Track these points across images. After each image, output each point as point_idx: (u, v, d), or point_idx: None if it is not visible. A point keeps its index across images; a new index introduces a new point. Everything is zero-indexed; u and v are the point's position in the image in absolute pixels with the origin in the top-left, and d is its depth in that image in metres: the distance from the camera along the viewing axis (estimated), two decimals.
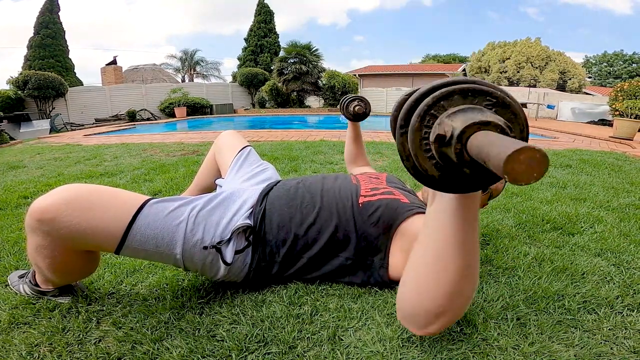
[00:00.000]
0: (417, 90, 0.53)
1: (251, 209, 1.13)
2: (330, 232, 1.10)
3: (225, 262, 1.03)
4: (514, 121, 0.46)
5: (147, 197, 0.98)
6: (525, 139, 0.46)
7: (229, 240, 1.03)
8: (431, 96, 0.47)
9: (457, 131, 0.42)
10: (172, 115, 13.55)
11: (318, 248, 1.10)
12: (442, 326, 0.73)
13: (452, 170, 0.48)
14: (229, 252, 1.03)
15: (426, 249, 0.69)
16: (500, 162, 0.34)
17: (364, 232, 1.10)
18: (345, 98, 1.70)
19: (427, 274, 0.69)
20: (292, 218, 1.12)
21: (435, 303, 0.69)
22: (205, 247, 1.00)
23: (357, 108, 1.66)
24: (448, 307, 0.69)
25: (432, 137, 0.46)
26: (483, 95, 0.46)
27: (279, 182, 1.31)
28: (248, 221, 1.08)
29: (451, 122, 0.44)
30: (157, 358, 0.86)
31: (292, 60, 14.89)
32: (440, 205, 0.64)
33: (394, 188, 1.23)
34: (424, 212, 1.10)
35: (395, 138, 0.51)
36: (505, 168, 0.34)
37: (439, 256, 0.66)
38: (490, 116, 0.43)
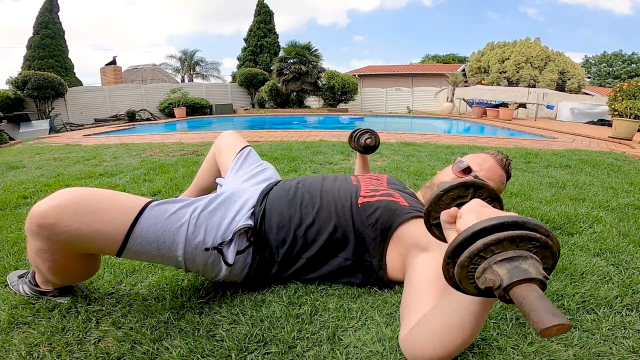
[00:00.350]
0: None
1: (252, 209, 1.13)
2: (329, 232, 1.10)
3: (226, 263, 1.03)
4: (549, 257, 0.54)
5: (148, 200, 0.98)
6: (554, 267, 0.55)
7: (231, 241, 1.03)
8: (482, 242, 0.53)
9: (504, 284, 0.50)
10: (172, 115, 13.54)
11: (317, 248, 1.10)
12: None
13: (488, 293, 0.55)
14: (230, 253, 1.03)
15: (444, 318, 0.75)
16: (539, 329, 0.44)
17: (362, 233, 1.10)
18: (356, 131, 1.77)
19: (450, 336, 0.74)
20: (291, 218, 1.12)
21: (447, 354, 0.76)
22: (207, 249, 1.00)
23: (368, 141, 1.72)
24: (453, 355, 0.77)
25: (481, 284, 0.53)
26: (528, 241, 0.53)
27: (278, 182, 1.31)
28: (249, 222, 1.08)
29: (499, 271, 0.51)
30: (156, 358, 0.86)
31: (291, 61, 14.89)
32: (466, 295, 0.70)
33: (394, 190, 1.23)
34: (422, 216, 1.10)
35: (442, 266, 0.59)
36: (541, 333, 0.45)
37: (457, 326, 0.73)
38: (532, 267, 0.51)
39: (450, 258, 0.57)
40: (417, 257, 0.98)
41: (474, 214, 0.60)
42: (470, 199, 0.70)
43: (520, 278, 0.49)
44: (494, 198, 0.70)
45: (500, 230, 0.53)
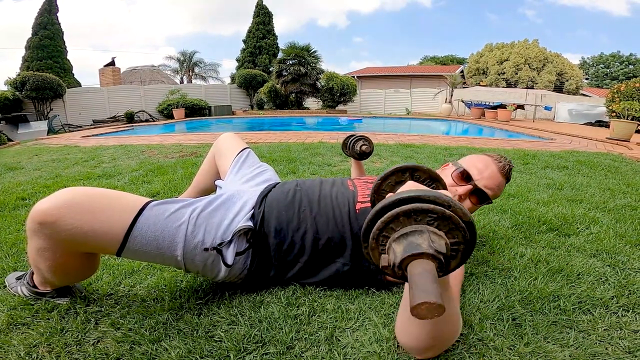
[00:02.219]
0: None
1: (252, 211, 1.14)
2: (327, 237, 1.11)
3: (226, 264, 1.03)
4: (455, 229, 0.53)
5: (148, 199, 0.99)
6: (471, 240, 0.54)
7: (230, 241, 1.04)
8: (380, 221, 0.53)
9: (397, 262, 0.50)
10: (171, 116, 13.54)
11: (314, 253, 1.11)
12: (436, 353, 0.86)
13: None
14: (229, 254, 1.04)
15: (405, 307, 0.83)
16: (411, 305, 0.45)
17: (359, 239, 1.11)
18: (350, 138, 1.77)
19: (412, 326, 0.81)
20: (289, 222, 1.12)
21: (422, 343, 0.82)
22: (206, 249, 1.00)
23: (364, 147, 1.72)
24: (433, 344, 0.83)
25: (381, 264, 0.54)
26: (425, 213, 0.52)
27: (277, 184, 1.31)
28: (249, 223, 1.09)
29: (395, 249, 0.51)
30: (155, 358, 0.86)
31: (290, 62, 14.90)
32: None
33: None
34: None
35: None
36: (412, 311, 0.45)
37: (407, 323, 0.81)
38: (425, 242, 0.50)
39: (364, 243, 0.57)
40: None
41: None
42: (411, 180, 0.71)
43: (410, 253, 0.49)
44: (433, 179, 0.70)
45: (398, 206, 0.53)
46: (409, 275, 0.48)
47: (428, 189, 0.57)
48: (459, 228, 0.53)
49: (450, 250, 0.52)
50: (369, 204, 1.15)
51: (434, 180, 0.71)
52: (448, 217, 0.52)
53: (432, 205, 0.52)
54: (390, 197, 0.54)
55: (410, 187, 0.63)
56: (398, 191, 0.59)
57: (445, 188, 0.70)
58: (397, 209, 0.52)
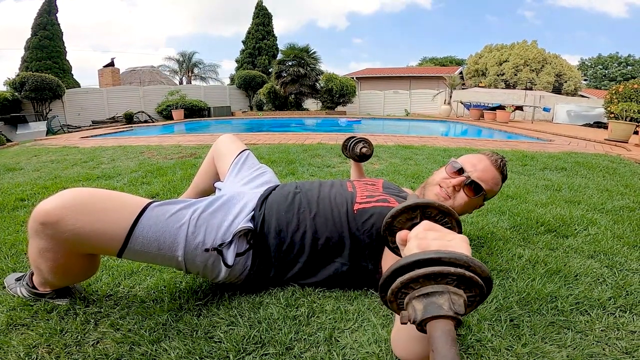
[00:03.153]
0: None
1: (252, 212, 1.15)
2: (325, 237, 1.12)
3: (226, 265, 1.04)
4: (473, 289, 0.56)
5: (149, 200, 1.00)
6: (485, 295, 0.57)
7: (230, 242, 1.04)
8: (399, 280, 0.56)
9: (417, 319, 0.53)
10: (170, 117, 13.52)
11: (313, 252, 1.12)
12: None
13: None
14: (230, 255, 1.04)
15: (400, 337, 0.84)
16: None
17: (358, 239, 1.11)
18: (350, 140, 1.77)
19: (415, 344, 0.79)
20: (289, 223, 1.13)
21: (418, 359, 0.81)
22: (206, 250, 1.01)
23: (364, 150, 1.72)
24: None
25: (401, 321, 0.56)
26: (444, 277, 0.55)
27: (277, 186, 1.32)
28: (250, 224, 1.09)
29: (416, 306, 0.55)
30: (155, 359, 0.87)
31: (290, 63, 14.91)
32: None
33: (390, 195, 1.25)
34: None
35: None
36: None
37: (410, 343, 0.80)
38: (446, 303, 0.53)
39: (382, 292, 0.60)
40: None
41: (416, 240, 0.63)
42: (420, 219, 0.72)
43: (432, 315, 0.52)
44: (445, 213, 0.71)
45: (416, 268, 0.56)
46: (430, 335, 0.52)
47: (447, 247, 0.60)
48: (477, 285, 0.56)
49: (467, 303, 0.56)
50: (367, 205, 1.16)
51: (446, 215, 0.72)
52: (468, 278, 0.55)
53: (452, 269, 0.55)
54: (409, 256, 0.57)
55: (426, 228, 0.65)
56: (412, 248, 0.62)
57: (458, 220, 0.71)
58: (418, 272, 0.55)
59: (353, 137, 1.78)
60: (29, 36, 15.59)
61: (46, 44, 15.44)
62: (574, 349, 0.91)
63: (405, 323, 0.55)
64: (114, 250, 0.93)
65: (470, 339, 0.93)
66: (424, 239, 0.62)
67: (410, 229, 0.69)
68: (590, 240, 1.59)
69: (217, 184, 1.60)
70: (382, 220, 1.09)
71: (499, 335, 0.95)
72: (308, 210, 1.16)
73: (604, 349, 0.92)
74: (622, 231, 1.69)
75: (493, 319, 1.01)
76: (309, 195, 1.21)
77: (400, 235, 0.68)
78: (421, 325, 0.53)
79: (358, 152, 1.74)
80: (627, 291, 1.18)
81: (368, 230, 1.11)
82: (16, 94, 10.98)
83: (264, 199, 1.22)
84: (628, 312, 1.07)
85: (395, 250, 0.77)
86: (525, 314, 1.04)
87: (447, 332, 0.51)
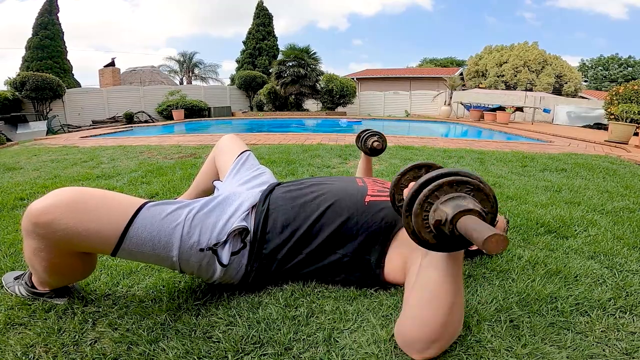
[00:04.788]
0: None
1: (247, 211, 1.14)
2: (332, 229, 1.11)
3: (221, 264, 1.03)
4: (486, 200, 0.66)
5: (144, 200, 0.99)
6: (495, 212, 0.68)
7: (225, 242, 1.04)
8: (427, 189, 0.65)
9: (449, 217, 0.61)
10: (170, 117, 13.52)
11: (317, 244, 1.11)
12: (437, 351, 0.86)
13: (446, 238, 0.69)
14: (225, 254, 1.04)
15: (422, 292, 0.85)
16: (480, 242, 0.54)
17: (365, 231, 1.11)
18: (365, 132, 1.79)
19: (425, 310, 0.84)
20: (296, 216, 1.13)
21: (432, 331, 0.83)
22: (201, 249, 1.00)
23: (375, 144, 1.75)
24: (442, 335, 0.84)
25: (432, 221, 0.65)
26: (464, 184, 0.66)
27: (280, 183, 1.32)
28: (244, 223, 1.09)
29: (444, 209, 0.63)
30: (153, 359, 0.86)
31: (290, 64, 14.91)
32: (432, 260, 0.84)
33: None
34: None
35: (400, 215, 0.76)
36: (483, 246, 0.54)
37: (434, 297, 0.83)
38: (470, 203, 0.63)
39: (407, 211, 0.69)
40: (419, 259, 1.00)
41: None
42: None
43: (462, 209, 0.61)
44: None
45: (439, 179, 0.66)
46: (463, 225, 0.59)
47: (463, 169, 0.69)
48: (489, 199, 0.66)
49: (482, 214, 0.63)
50: (378, 198, 1.17)
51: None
52: (482, 189, 0.65)
53: (470, 179, 0.65)
54: (431, 172, 0.67)
55: None
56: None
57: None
58: (442, 180, 0.64)
59: (368, 130, 1.80)
60: (30, 36, 15.59)
61: (47, 43, 15.45)
62: (574, 349, 0.91)
63: (439, 222, 0.63)
64: (107, 249, 0.92)
65: (470, 339, 0.93)
66: None
67: None
68: (590, 241, 1.58)
69: (215, 183, 1.60)
70: (392, 214, 1.12)
71: (498, 336, 0.94)
72: (316, 203, 1.15)
73: (604, 350, 0.91)
74: (622, 232, 1.69)
75: (493, 320, 1.01)
76: (317, 189, 1.21)
77: (409, 188, 0.76)
78: (452, 224, 0.61)
79: (370, 145, 1.76)
80: (627, 292, 1.18)
81: (377, 222, 1.11)
82: (16, 93, 10.98)
83: (267, 193, 1.21)
84: (628, 313, 1.07)
85: (400, 210, 0.89)
86: (525, 314, 1.04)
87: (477, 221, 0.58)
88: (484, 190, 0.65)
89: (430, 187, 0.65)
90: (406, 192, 0.79)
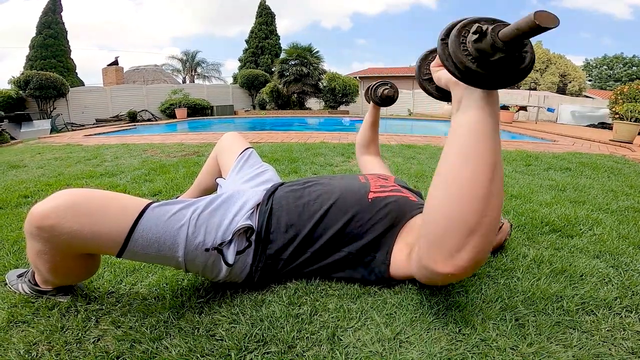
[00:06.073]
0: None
1: (252, 210, 1.14)
2: (337, 228, 1.10)
3: (227, 263, 1.03)
4: None
5: (149, 201, 0.98)
6: None
7: (230, 241, 1.03)
8: (464, 20, 0.68)
9: (491, 27, 0.62)
10: (173, 116, 13.56)
11: (322, 243, 1.10)
12: (472, 255, 0.70)
13: (485, 60, 0.64)
14: (230, 253, 1.03)
15: (456, 153, 0.71)
16: (531, 18, 0.52)
17: (370, 227, 1.10)
18: (373, 83, 1.71)
19: (460, 177, 0.69)
20: (300, 215, 1.12)
21: (471, 208, 0.68)
22: (207, 249, 1.00)
23: (386, 91, 1.65)
24: (482, 217, 0.68)
25: (473, 31, 0.64)
26: (491, 20, 0.67)
27: (283, 183, 1.32)
28: (249, 222, 1.08)
29: (483, 26, 0.63)
30: (155, 357, 0.86)
31: (292, 62, 14.92)
32: (468, 103, 0.72)
33: (402, 187, 1.25)
34: None
35: (438, 50, 0.70)
36: (536, 19, 0.52)
37: (470, 155, 0.68)
38: (503, 23, 0.63)
39: (443, 39, 0.69)
40: None
41: None
42: None
43: (499, 22, 0.64)
44: None
45: (472, 17, 0.68)
46: (507, 28, 0.59)
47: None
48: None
49: None
50: (381, 194, 1.16)
51: None
52: (503, 22, 0.65)
53: (494, 18, 0.67)
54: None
55: None
56: None
57: None
58: (474, 17, 0.67)
59: (378, 80, 1.72)
60: (34, 35, 15.65)
61: (51, 42, 15.53)
62: (580, 349, 0.90)
63: (482, 31, 0.62)
64: (112, 251, 0.91)
65: (475, 338, 0.92)
66: None
67: None
68: (596, 240, 1.57)
69: (218, 180, 1.59)
70: (397, 209, 1.12)
71: (504, 335, 0.94)
72: (319, 202, 1.15)
73: (610, 349, 0.90)
74: (627, 231, 1.68)
75: (498, 319, 1.00)
76: (321, 188, 1.20)
77: (437, 60, 0.82)
78: (495, 33, 0.61)
79: (380, 94, 1.66)
80: (632, 291, 1.17)
81: (382, 219, 1.10)
82: (21, 92, 11.04)
83: (271, 193, 1.21)
84: (634, 312, 1.06)
85: (423, 84, 0.92)
86: (530, 313, 1.03)
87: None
88: (503, 22, 0.65)
89: (467, 20, 0.67)
90: (433, 63, 0.87)
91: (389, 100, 1.67)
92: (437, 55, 0.73)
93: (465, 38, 0.66)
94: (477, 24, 0.63)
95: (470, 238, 0.69)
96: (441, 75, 0.81)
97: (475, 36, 0.63)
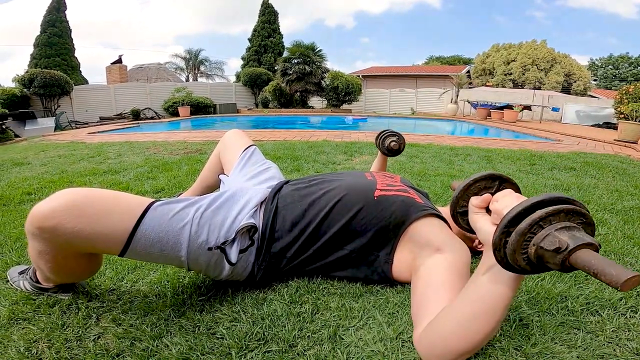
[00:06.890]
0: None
1: (255, 208, 1.13)
2: (341, 225, 1.09)
3: (229, 262, 1.02)
4: (591, 234, 0.61)
5: (151, 200, 0.97)
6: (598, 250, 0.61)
7: (233, 240, 1.03)
8: (544, 211, 0.59)
9: (570, 247, 0.56)
10: (176, 114, 13.57)
11: (325, 240, 1.10)
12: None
13: (540, 266, 0.62)
14: (233, 252, 1.03)
15: (472, 305, 0.76)
16: (619, 282, 0.50)
17: (374, 226, 1.09)
18: (384, 132, 1.80)
19: (471, 325, 0.76)
20: (305, 214, 1.11)
21: (470, 345, 0.77)
22: (210, 248, 0.99)
23: (392, 144, 1.75)
24: (477, 347, 0.78)
25: (549, 247, 0.58)
26: (578, 215, 0.60)
27: (288, 181, 1.31)
28: (252, 220, 1.07)
29: (560, 237, 0.57)
30: (156, 355, 0.86)
31: (295, 61, 14.88)
32: (499, 277, 0.72)
33: (409, 187, 1.24)
34: (436, 214, 1.12)
35: (495, 233, 0.63)
36: (621, 287, 0.50)
37: (486, 312, 0.74)
38: (587, 236, 0.58)
39: (507, 227, 0.61)
40: (431, 257, 0.98)
41: (512, 197, 0.67)
42: (496, 190, 0.77)
43: (583, 242, 0.56)
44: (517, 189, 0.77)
45: (557, 204, 0.60)
46: (586, 260, 0.54)
47: (575, 199, 0.63)
48: (592, 235, 0.61)
49: None
50: (388, 193, 1.15)
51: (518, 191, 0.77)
52: (591, 224, 0.61)
53: (586, 211, 0.61)
54: (546, 194, 0.62)
55: (514, 198, 0.69)
56: (512, 201, 0.67)
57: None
58: (561, 206, 0.59)
59: (388, 130, 1.81)
60: (38, 33, 15.70)
61: (55, 41, 15.55)
62: (585, 349, 0.89)
63: (558, 249, 0.56)
64: (115, 251, 0.91)
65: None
66: (521, 198, 0.66)
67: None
68: (601, 240, 1.56)
69: (221, 177, 1.59)
70: (402, 209, 1.11)
71: (507, 335, 0.93)
72: (325, 199, 1.14)
73: (615, 350, 0.89)
74: (632, 231, 1.66)
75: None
76: (327, 185, 1.19)
77: (482, 197, 0.75)
78: (569, 254, 0.56)
79: (387, 145, 1.76)
80: (637, 292, 1.15)
81: (387, 217, 1.09)
82: (25, 90, 11.07)
83: (276, 191, 1.20)
84: (639, 312, 1.05)
85: (457, 217, 0.82)
86: (534, 313, 1.02)
87: (601, 257, 0.54)
88: (592, 226, 0.61)
89: (548, 210, 0.58)
90: (476, 200, 0.75)
91: (394, 152, 1.78)
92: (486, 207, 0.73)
93: (534, 236, 0.59)
94: (558, 238, 0.57)
95: (462, 356, 0.79)
96: (481, 227, 0.74)
97: (551, 249, 0.57)
